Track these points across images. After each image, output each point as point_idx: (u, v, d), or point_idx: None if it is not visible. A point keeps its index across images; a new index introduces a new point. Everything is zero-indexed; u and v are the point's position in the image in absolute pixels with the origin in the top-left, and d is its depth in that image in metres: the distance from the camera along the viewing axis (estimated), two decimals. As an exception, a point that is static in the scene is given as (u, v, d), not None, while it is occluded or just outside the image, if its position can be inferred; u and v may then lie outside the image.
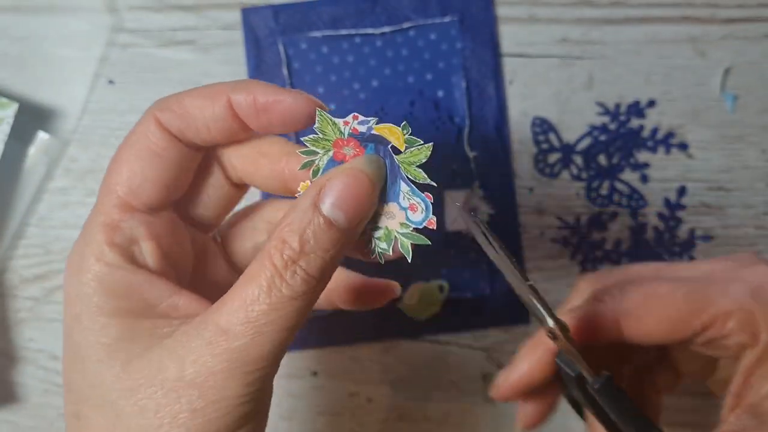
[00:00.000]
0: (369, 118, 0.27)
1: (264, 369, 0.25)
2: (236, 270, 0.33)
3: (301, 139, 0.27)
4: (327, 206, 0.25)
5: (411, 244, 0.26)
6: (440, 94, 0.47)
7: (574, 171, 0.48)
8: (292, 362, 0.47)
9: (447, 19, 0.47)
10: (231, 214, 0.33)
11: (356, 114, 0.27)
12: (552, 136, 0.48)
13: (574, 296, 0.36)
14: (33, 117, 0.46)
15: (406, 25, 0.46)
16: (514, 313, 0.47)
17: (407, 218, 0.26)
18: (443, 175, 0.46)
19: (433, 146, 0.26)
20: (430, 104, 0.46)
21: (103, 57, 0.47)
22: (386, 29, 0.46)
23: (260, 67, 0.46)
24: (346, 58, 0.46)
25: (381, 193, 0.26)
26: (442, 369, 0.47)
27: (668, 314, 0.31)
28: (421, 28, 0.47)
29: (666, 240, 0.47)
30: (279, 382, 0.46)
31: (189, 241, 0.30)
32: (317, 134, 0.27)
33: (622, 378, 0.38)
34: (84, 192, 0.47)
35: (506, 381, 0.34)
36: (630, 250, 0.47)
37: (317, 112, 0.27)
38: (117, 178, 0.28)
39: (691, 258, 0.47)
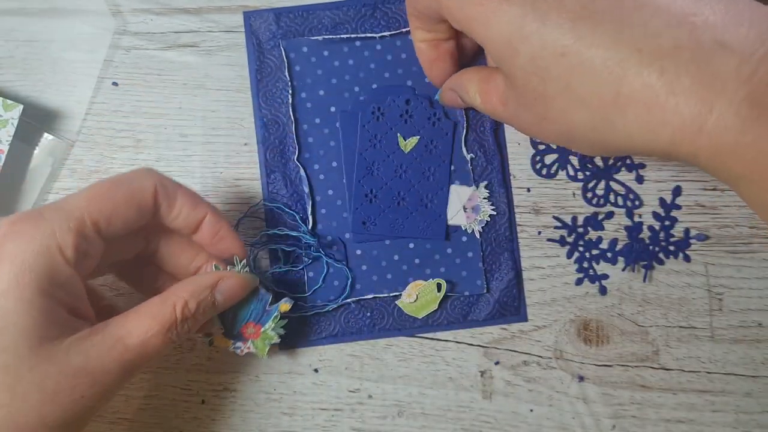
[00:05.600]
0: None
1: (140, 370, 0.37)
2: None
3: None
4: (218, 293, 0.38)
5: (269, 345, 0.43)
6: (438, 95, 0.47)
7: (571, 171, 0.48)
8: (294, 359, 0.47)
9: (446, 22, 0.47)
10: None
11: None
12: (549, 137, 0.48)
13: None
14: (38, 118, 0.47)
15: (405, 29, 0.47)
16: (511, 310, 0.48)
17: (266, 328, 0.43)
18: (442, 173, 0.47)
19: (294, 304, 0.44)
20: (425, 102, 0.47)
21: (107, 59, 0.47)
22: (386, 33, 0.47)
23: (262, 69, 0.47)
24: (347, 61, 0.47)
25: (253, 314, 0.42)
26: (440, 366, 0.48)
27: None
28: (420, 31, 0.47)
29: (661, 239, 0.48)
30: (282, 379, 0.47)
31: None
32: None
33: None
34: (89, 192, 0.47)
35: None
36: (625, 249, 0.48)
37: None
38: (101, 205, 0.36)
39: (687, 257, 0.48)
